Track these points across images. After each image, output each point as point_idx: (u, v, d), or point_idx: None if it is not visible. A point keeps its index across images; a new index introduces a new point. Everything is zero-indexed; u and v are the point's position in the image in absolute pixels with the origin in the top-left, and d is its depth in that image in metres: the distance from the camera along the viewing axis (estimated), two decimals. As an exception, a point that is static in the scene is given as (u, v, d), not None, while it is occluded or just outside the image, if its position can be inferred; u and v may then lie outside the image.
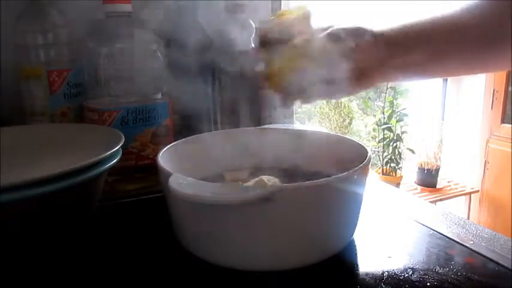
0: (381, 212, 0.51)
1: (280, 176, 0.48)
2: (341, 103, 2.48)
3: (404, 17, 0.42)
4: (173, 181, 0.35)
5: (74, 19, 0.60)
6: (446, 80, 2.14)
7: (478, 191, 2.03)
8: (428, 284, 0.36)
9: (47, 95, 0.58)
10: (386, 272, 0.38)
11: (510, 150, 1.81)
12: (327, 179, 0.36)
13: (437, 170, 2.02)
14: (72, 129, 0.55)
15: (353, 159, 0.41)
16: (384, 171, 2.09)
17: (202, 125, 0.69)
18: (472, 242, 0.43)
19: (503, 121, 1.94)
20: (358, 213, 0.42)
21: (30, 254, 0.38)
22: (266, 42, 0.38)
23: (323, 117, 2.56)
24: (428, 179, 2.03)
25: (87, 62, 0.58)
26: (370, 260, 0.40)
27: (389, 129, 2.07)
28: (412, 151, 2.07)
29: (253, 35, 0.65)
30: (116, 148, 0.42)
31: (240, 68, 0.71)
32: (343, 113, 2.54)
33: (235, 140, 0.54)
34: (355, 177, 0.38)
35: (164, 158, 0.42)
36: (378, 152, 2.11)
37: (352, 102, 2.59)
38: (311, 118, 2.61)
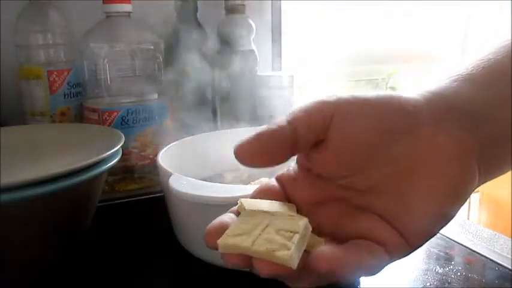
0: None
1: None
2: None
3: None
4: (173, 181, 0.35)
5: (74, 19, 0.60)
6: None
7: (477, 191, 2.03)
8: (428, 284, 0.36)
9: (47, 95, 0.58)
10: (386, 272, 0.38)
11: (510, 150, 1.81)
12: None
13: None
14: (72, 129, 0.55)
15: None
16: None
17: (203, 125, 0.69)
18: (472, 242, 0.43)
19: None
20: (358, 213, 0.42)
21: (30, 254, 0.38)
22: None
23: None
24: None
25: (87, 62, 0.58)
26: (370, 260, 0.40)
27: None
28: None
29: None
30: (116, 148, 0.41)
31: (240, 68, 0.71)
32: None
33: (235, 140, 0.53)
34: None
35: (164, 158, 0.42)
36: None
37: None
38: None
